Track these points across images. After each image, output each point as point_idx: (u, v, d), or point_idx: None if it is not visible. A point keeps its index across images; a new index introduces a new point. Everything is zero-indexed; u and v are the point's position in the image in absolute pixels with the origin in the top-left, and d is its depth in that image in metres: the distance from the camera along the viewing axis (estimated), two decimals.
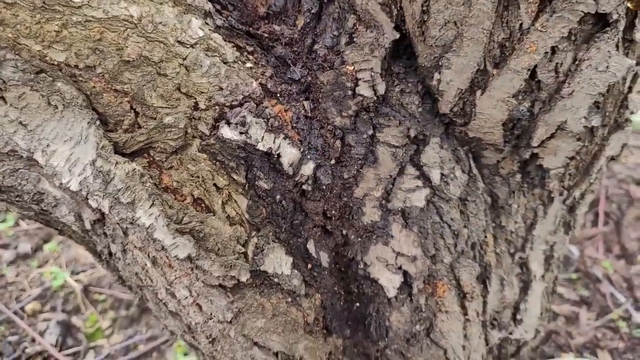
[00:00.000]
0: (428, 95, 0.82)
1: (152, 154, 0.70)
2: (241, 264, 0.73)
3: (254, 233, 0.77)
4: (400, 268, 0.86)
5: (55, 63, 0.60)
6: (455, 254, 0.87)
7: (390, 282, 0.87)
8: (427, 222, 0.85)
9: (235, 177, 0.75)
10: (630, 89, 0.79)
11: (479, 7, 0.66)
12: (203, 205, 0.73)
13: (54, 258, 2.12)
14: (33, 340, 1.77)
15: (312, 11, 0.77)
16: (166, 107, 0.67)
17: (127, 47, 0.62)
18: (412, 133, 0.81)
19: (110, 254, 0.79)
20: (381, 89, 0.78)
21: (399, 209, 0.84)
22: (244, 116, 0.71)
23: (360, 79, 0.76)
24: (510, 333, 0.99)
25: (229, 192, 0.75)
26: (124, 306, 1.94)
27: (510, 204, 0.93)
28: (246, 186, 0.76)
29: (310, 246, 0.85)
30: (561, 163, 0.84)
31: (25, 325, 1.80)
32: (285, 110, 0.77)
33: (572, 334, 1.76)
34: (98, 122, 0.64)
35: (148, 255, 0.72)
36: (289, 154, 0.76)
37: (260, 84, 0.75)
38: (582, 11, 0.64)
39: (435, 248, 0.86)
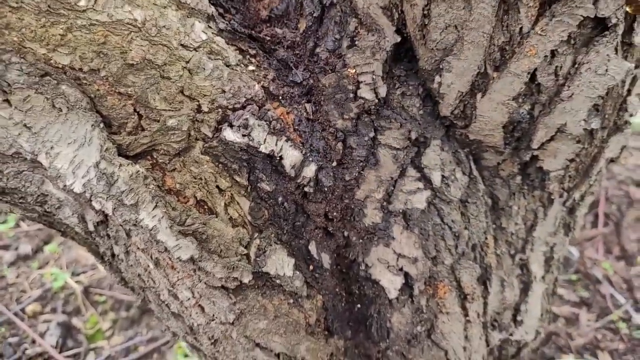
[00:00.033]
0: (429, 98, 0.83)
1: (155, 156, 0.70)
2: (244, 266, 0.74)
3: (256, 235, 0.77)
4: (401, 269, 0.86)
5: (60, 66, 0.60)
6: (456, 256, 0.87)
7: (391, 284, 0.87)
8: (428, 223, 0.86)
9: (237, 179, 0.75)
10: (629, 91, 0.80)
11: (479, 11, 0.66)
12: (206, 207, 0.73)
13: (55, 259, 2.13)
14: (33, 341, 1.77)
15: (314, 15, 0.77)
16: (169, 110, 0.68)
17: (131, 50, 0.63)
18: (413, 135, 0.82)
19: (113, 255, 0.79)
20: (382, 91, 0.78)
21: (400, 211, 0.85)
22: (246, 119, 0.72)
23: (361, 81, 0.77)
24: (511, 334, 1.00)
25: (231, 194, 0.75)
26: (124, 307, 1.94)
27: (510, 205, 0.93)
28: (248, 188, 0.77)
29: (312, 248, 0.85)
30: (561, 165, 0.84)
31: (25, 327, 1.80)
32: (288, 113, 0.77)
33: (572, 335, 1.76)
34: (102, 125, 0.65)
35: (151, 257, 0.72)
36: (291, 156, 0.76)
37: (263, 86, 0.75)
38: (581, 15, 0.64)
39: (436, 249, 0.86)
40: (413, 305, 0.88)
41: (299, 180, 0.79)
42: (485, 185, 0.92)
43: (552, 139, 0.79)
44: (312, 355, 0.84)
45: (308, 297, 0.84)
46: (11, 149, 0.63)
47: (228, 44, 0.73)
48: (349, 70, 0.77)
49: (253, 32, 0.78)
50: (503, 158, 0.87)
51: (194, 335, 0.81)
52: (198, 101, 0.70)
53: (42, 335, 1.80)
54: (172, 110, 0.68)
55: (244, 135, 0.71)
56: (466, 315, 0.90)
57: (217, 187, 0.74)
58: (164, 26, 0.65)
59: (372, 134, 0.81)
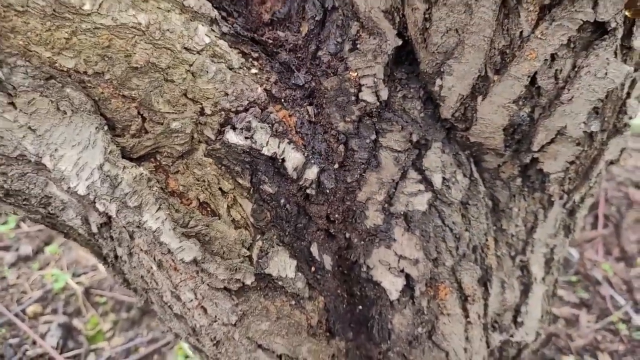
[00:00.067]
0: (430, 101, 0.83)
1: (158, 159, 0.71)
2: (246, 267, 0.74)
3: (258, 236, 0.78)
4: (402, 271, 0.87)
5: (65, 69, 0.61)
6: (457, 257, 0.88)
7: (392, 285, 0.88)
8: (429, 225, 0.86)
9: (240, 181, 0.76)
10: (628, 94, 0.80)
11: (480, 15, 0.67)
12: (209, 209, 0.74)
13: (55, 260, 2.13)
14: (34, 342, 1.77)
15: (316, 18, 0.78)
16: (173, 113, 0.68)
17: (135, 53, 0.63)
18: (414, 138, 0.82)
19: (116, 257, 0.80)
20: (384, 94, 0.79)
21: (402, 213, 0.86)
22: (249, 121, 0.72)
23: (363, 84, 0.78)
24: (511, 335, 1.00)
25: (234, 196, 0.76)
26: (125, 308, 1.94)
27: (511, 207, 0.94)
28: (251, 190, 0.77)
29: (314, 249, 0.86)
30: (561, 167, 0.85)
31: (26, 328, 1.81)
32: (290, 116, 0.78)
33: (572, 337, 1.76)
34: (106, 127, 0.65)
35: (154, 259, 0.73)
36: (293, 158, 0.77)
37: (265, 89, 0.76)
38: (581, 19, 0.65)
39: (437, 251, 0.87)
40: (414, 307, 0.89)
41: (301, 183, 0.80)
42: (486, 187, 0.93)
43: (552, 141, 0.80)
44: (314, 357, 0.85)
45: (310, 299, 0.85)
46: (16, 151, 0.63)
47: (231, 47, 0.74)
48: (350, 73, 0.77)
49: (255, 35, 0.79)
50: (503, 160, 0.88)
51: (197, 337, 0.82)
52: (201, 104, 0.70)
53: (42, 336, 1.80)
54: (176, 113, 0.69)
55: (246, 138, 0.72)
56: (467, 316, 0.91)
57: (220, 189, 0.74)
58: (168, 30, 0.65)
59: (373, 137, 0.82)
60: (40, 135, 0.62)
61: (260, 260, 0.76)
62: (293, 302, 0.82)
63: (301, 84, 0.80)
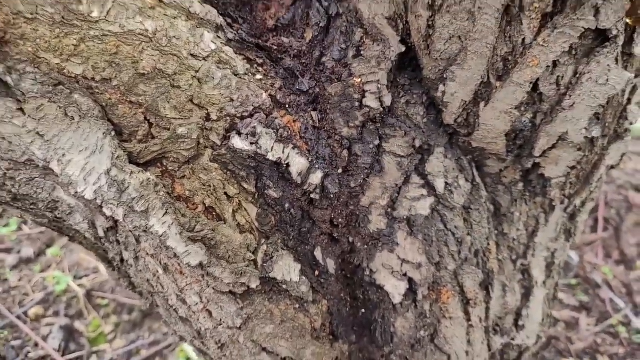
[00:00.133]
0: (433, 107, 0.84)
1: (165, 164, 0.72)
2: (251, 271, 0.75)
3: (263, 241, 0.79)
4: (405, 275, 0.87)
5: (73, 76, 0.61)
6: (459, 261, 0.89)
7: (395, 289, 0.88)
8: (432, 230, 0.87)
9: (245, 186, 0.77)
10: (629, 100, 0.81)
11: (482, 23, 0.68)
12: (214, 213, 0.74)
13: (57, 262, 2.14)
14: (36, 344, 1.78)
15: (321, 25, 0.79)
16: (179, 118, 0.69)
17: (142, 60, 0.64)
18: (417, 143, 0.83)
19: (122, 260, 0.81)
20: (387, 100, 0.80)
21: (405, 217, 0.86)
22: (254, 127, 0.73)
23: (367, 90, 0.78)
24: (513, 339, 1.01)
25: (239, 201, 0.77)
26: (126, 311, 1.95)
27: (512, 212, 0.95)
28: (256, 195, 0.78)
29: (318, 253, 0.87)
30: (562, 172, 0.86)
31: (28, 330, 1.81)
32: (294, 121, 0.79)
33: (572, 340, 1.77)
34: (113, 133, 0.66)
35: (160, 262, 0.74)
36: (297, 163, 0.78)
37: (270, 95, 0.77)
38: (582, 27, 0.66)
39: (440, 255, 0.88)
40: (417, 310, 0.89)
41: (305, 187, 0.80)
42: (488, 191, 0.94)
43: (553, 146, 0.80)
44: None
45: (314, 302, 0.85)
46: (24, 156, 0.64)
47: (236, 53, 0.74)
48: (354, 79, 0.78)
49: (260, 41, 0.79)
50: (505, 165, 0.88)
51: (202, 340, 0.82)
52: (207, 110, 0.71)
53: (44, 338, 1.80)
54: (182, 119, 0.69)
55: (251, 143, 0.73)
56: (469, 320, 0.91)
57: (226, 194, 0.75)
58: (174, 36, 0.66)
59: (377, 142, 0.83)
60: (48, 141, 0.63)
61: (265, 264, 0.77)
62: (297, 306, 0.83)
63: (305, 90, 0.81)
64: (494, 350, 0.99)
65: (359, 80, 0.78)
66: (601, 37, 0.69)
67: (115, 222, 0.73)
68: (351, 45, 0.78)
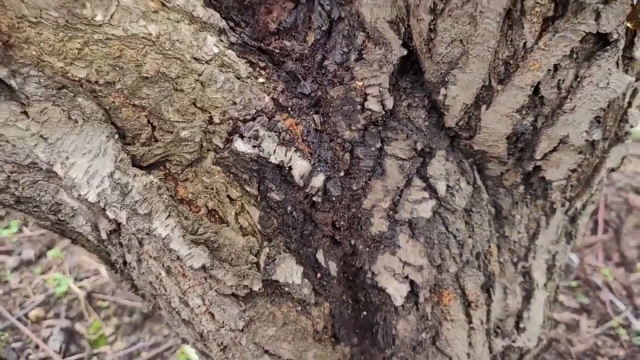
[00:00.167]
0: (434, 110, 0.84)
1: (168, 167, 0.72)
2: (254, 274, 0.75)
3: (265, 243, 0.79)
4: (407, 277, 0.88)
5: (77, 79, 0.62)
6: (461, 264, 0.89)
7: (397, 291, 0.88)
8: (433, 232, 0.87)
9: (248, 189, 0.77)
10: (629, 104, 0.81)
11: (484, 27, 0.68)
12: (217, 216, 0.75)
13: (58, 264, 2.14)
14: (37, 346, 1.78)
15: (323, 28, 0.79)
16: (182, 122, 0.70)
17: (145, 63, 0.64)
18: (419, 146, 0.83)
19: (124, 263, 0.81)
20: (389, 103, 0.80)
21: (406, 220, 0.87)
22: (256, 130, 0.73)
23: (369, 94, 0.79)
24: (514, 341, 1.01)
25: (241, 204, 0.77)
26: (127, 313, 1.95)
27: (513, 214, 0.95)
28: (258, 198, 0.78)
29: (320, 256, 0.87)
30: (563, 175, 0.86)
31: (29, 332, 1.81)
32: (296, 124, 0.79)
33: (572, 342, 1.77)
34: (116, 136, 0.66)
35: (163, 265, 0.74)
36: (299, 166, 0.78)
37: (272, 98, 0.77)
38: (583, 31, 0.66)
39: (441, 258, 0.88)
40: (418, 313, 0.90)
41: (307, 190, 0.81)
42: (489, 194, 0.94)
43: (554, 149, 0.81)
44: None
45: (316, 305, 0.85)
46: (27, 159, 0.64)
47: (239, 56, 0.75)
48: (356, 82, 0.78)
49: (262, 44, 0.80)
50: (506, 168, 0.89)
51: (204, 342, 0.82)
52: (210, 113, 0.71)
53: (45, 340, 1.81)
54: (185, 122, 0.70)
55: (254, 146, 0.73)
56: (470, 322, 0.91)
57: (228, 196, 0.75)
58: (178, 40, 0.66)
59: (378, 145, 0.83)
60: (51, 144, 0.63)
61: (267, 267, 0.77)
62: (299, 308, 0.83)
63: (307, 93, 0.81)
64: (495, 352, 1.00)
65: (361, 83, 0.78)
66: (602, 40, 0.69)
67: (118, 224, 0.73)
68: (353, 48, 0.78)
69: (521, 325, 1.01)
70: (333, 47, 0.80)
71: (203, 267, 0.71)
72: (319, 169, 0.81)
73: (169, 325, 0.88)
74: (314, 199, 0.82)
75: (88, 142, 0.65)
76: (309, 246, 0.86)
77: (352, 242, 0.90)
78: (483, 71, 0.73)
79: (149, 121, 0.68)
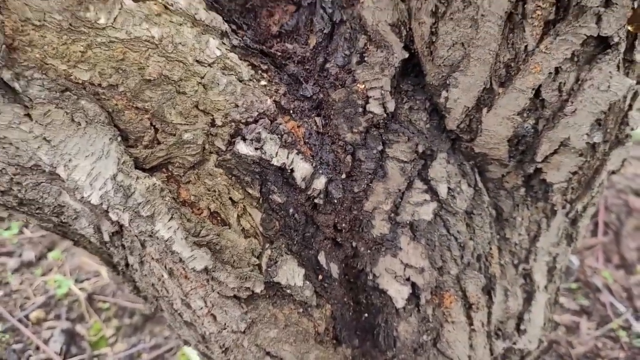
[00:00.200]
0: (435, 112, 0.84)
1: (170, 169, 0.72)
2: (256, 276, 0.75)
3: (267, 245, 0.79)
4: (408, 279, 0.88)
5: (80, 82, 0.62)
6: (462, 266, 0.89)
7: (398, 293, 0.89)
8: (435, 234, 0.88)
9: (250, 191, 0.77)
10: (630, 106, 0.82)
11: (485, 30, 0.68)
12: (219, 218, 0.75)
13: (58, 266, 2.14)
14: (37, 348, 1.78)
15: (324, 31, 0.79)
16: (185, 124, 0.70)
17: (148, 66, 0.65)
18: (420, 148, 0.84)
19: (127, 265, 0.81)
20: (391, 106, 0.80)
21: (408, 222, 0.87)
22: (259, 132, 0.74)
23: (370, 96, 0.79)
24: (514, 343, 1.01)
25: (244, 206, 0.77)
26: (127, 314, 1.95)
27: (514, 216, 0.95)
28: (260, 200, 0.79)
29: (321, 258, 0.87)
30: (564, 177, 0.86)
31: (29, 333, 1.81)
32: (298, 127, 0.79)
33: (572, 344, 1.77)
34: (119, 138, 0.66)
35: (165, 267, 0.74)
36: (301, 168, 0.78)
37: (274, 101, 0.77)
38: (584, 34, 0.66)
39: (442, 260, 0.88)
40: (419, 315, 0.90)
41: (309, 192, 0.81)
42: (490, 196, 0.94)
43: (555, 152, 0.81)
44: None
45: (317, 307, 0.86)
46: (30, 161, 0.65)
47: (241, 59, 0.75)
48: (358, 85, 0.79)
49: (264, 47, 0.80)
50: (507, 170, 0.89)
51: (206, 344, 0.83)
52: (212, 115, 0.72)
53: (46, 341, 1.80)
54: (188, 125, 0.70)
55: (256, 149, 0.73)
56: (471, 324, 0.92)
57: (230, 199, 0.76)
58: (180, 43, 0.67)
59: (380, 147, 0.83)
60: (54, 146, 0.63)
61: (269, 269, 0.78)
62: (301, 310, 0.83)
63: (309, 96, 0.81)
64: (496, 354, 1.00)
65: (363, 86, 0.79)
66: (603, 44, 0.69)
67: (121, 226, 0.73)
68: (355, 51, 0.78)
69: (522, 327, 1.02)
70: (335, 50, 0.80)
71: (205, 269, 0.71)
72: (320, 172, 0.81)
73: (171, 327, 0.88)
74: (316, 201, 0.83)
75: (91, 145, 0.65)
76: (311, 248, 0.86)
77: (354, 244, 0.90)
78: (484, 74, 0.73)
79: (151, 124, 0.68)
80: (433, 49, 0.74)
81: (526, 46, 0.70)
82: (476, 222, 0.91)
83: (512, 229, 0.96)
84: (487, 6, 0.66)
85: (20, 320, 1.87)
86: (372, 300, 0.92)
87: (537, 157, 0.82)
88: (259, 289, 0.76)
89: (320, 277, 0.87)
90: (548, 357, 1.73)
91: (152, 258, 0.74)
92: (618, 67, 0.72)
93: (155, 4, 0.64)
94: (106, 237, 0.76)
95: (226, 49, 0.73)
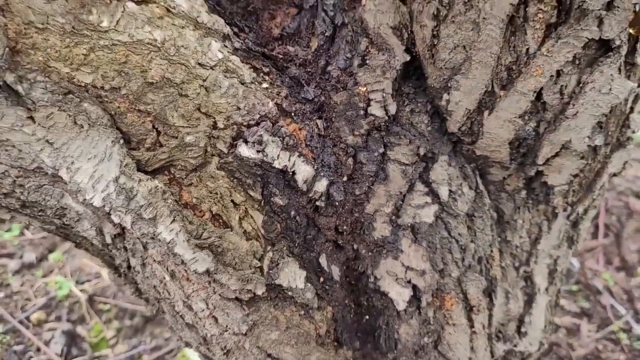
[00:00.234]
0: (437, 115, 0.85)
1: (172, 172, 0.72)
2: (257, 278, 0.76)
3: (269, 248, 0.79)
4: (409, 282, 0.88)
5: (83, 85, 0.62)
6: (463, 268, 0.89)
7: (399, 296, 0.89)
8: (436, 237, 0.88)
9: (251, 193, 0.77)
10: (631, 109, 0.82)
11: (487, 33, 0.68)
12: (221, 220, 0.75)
13: (59, 267, 2.14)
14: (38, 349, 1.78)
15: (326, 34, 0.80)
16: (187, 127, 0.70)
17: (150, 69, 0.65)
18: (422, 151, 0.84)
19: (129, 267, 0.81)
20: (392, 109, 0.80)
21: (409, 225, 0.87)
22: (260, 135, 0.74)
23: (372, 99, 0.79)
24: (515, 345, 1.01)
25: (245, 208, 0.77)
26: (128, 316, 1.95)
27: (515, 219, 0.95)
28: (262, 202, 0.79)
29: (323, 260, 0.87)
30: (565, 180, 0.86)
31: (30, 335, 1.81)
32: (300, 129, 0.79)
33: (573, 346, 1.77)
34: (121, 141, 0.67)
35: (167, 269, 0.74)
36: (303, 171, 0.78)
37: (276, 103, 0.77)
38: (586, 37, 0.66)
39: (444, 262, 0.88)
40: (420, 317, 0.90)
41: (310, 195, 0.81)
42: (491, 199, 0.94)
43: (556, 155, 0.81)
44: None
45: (318, 309, 0.86)
46: (33, 163, 0.65)
47: (243, 62, 0.75)
48: (359, 88, 0.79)
49: (266, 50, 0.80)
50: (509, 173, 0.89)
51: (207, 346, 0.83)
52: (214, 118, 0.72)
53: (47, 343, 1.81)
54: (190, 127, 0.70)
55: (258, 151, 0.74)
56: (472, 326, 0.92)
57: (232, 201, 0.76)
58: (182, 46, 0.67)
59: (381, 150, 0.83)
60: (57, 149, 0.63)
61: (270, 271, 0.78)
62: (302, 312, 0.83)
63: (311, 98, 0.81)
64: (497, 356, 1.00)
65: (364, 89, 0.79)
66: (604, 47, 0.69)
67: (123, 229, 0.73)
68: (356, 54, 0.79)
69: (523, 329, 1.02)
70: (336, 53, 0.80)
71: (207, 271, 0.72)
72: (322, 174, 0.81)
73: (173, 329, 0.88)
74: (317, 203, 0.83)
75: (93, 147, 0.65)
76: (312, 250, 0.86)
77: (355, 246, 0.90)
78: (486, 77, 0.73)
79: (153, 126, 0.68)
80: (434, 52, 0.74)
81: (528, 49, 0.70)
82: (477, 225, 0.91)
83: (513, 231, 0.96)
84: (489, 9, 0.66)
85: (21, 322, 1.87)
86: (373, 302, 0.92)
87: (538, 159, 0.82)
88: (260, 291, 0.77)
89: (321, 279, 0.87)
90: (548, 359, 1.73)
91: (154, 260, 0.74)
92: (619, 70, 0.72)
93: (157, 7, 0.64)
94: (108, 240, 0.76)
95: (228, 52, 0.73)
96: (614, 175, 0.94)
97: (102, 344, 1.85)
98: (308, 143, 0.80)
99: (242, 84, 0.74)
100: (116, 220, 0.68)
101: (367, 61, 0.78)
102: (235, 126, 0.74)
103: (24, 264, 2.13)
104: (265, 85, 0.77)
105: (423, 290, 0.88)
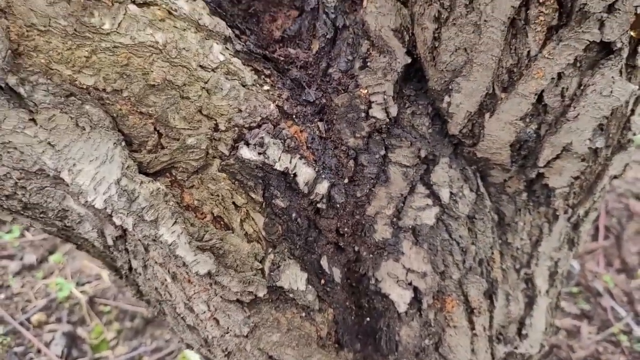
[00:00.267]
0: (438, 117, 0.85)
1: (174, 174, 0.72)
2: (258, 280, 0.76)
3: (270, 250, 0.79)
4: (410, 284, 0.88)
5: (85, 87, 0.62)
6: (464, 270, 0.89)
7: (400, 298, 0.89)
8: (437, 239, 0.88)
9: (253, 195, 0.77)
10: (632, 111, 0.82)
11: (488, 35, 0.69)
12: (222, 222, 0.75)
13: (60, 269, 2.14)
14: (39, 351, 1.78)
15: (327, 36, 0.80)
16: (188, 129, 0.70)
17: (152, 71, 0.65)
18: (423, 153, 0.84)
19: (130, 269, 0.81)
20: (393, 111, 0.80)
21: (410, 227, 0.87)
22: (262, 137, 0.74)
23: (373, 101, 0.79)
24: (516, 347, 1.01)
25: (247, 210, 0.77)
26: (128, 318, 1.95)
27: (516, 221, 0.95)
28: (263, 204, 0.79)
29: (324, 262, 0.87)
30: (566, 182, 0.86)
31: (31, 336, 1.81)
32: (301, 131, 0.80)
33: (573, 348, 1.77)
34: (123, 143, 0.67)
35: (168, 271, 0.74)
36: (304, 173, 0.78)
37: (277, 105, 0.78)
38: (587, 40, 0.67)
39: (445, 264, 0.88)
40: (421, 319, 0.90)
41: (312, 197, 0.81)
42: (492, 201, 0.94)
43: (557, 157, 0.81)
44: None
45: (320, 311, 0.86)
46: (35, 165, 0.65)
47: (244, 64, 0.75)
48: (361, 90, 0.79)
49: (267, 52, 0.80)
50: (509, 175, 0.89)
51: (209, 348, 0.83)
52: (216, 120, 0.72)
53: (47, 344, 1.81)
54: (191, 129, 0.70)
55: (259, 154, 0.74)
56: (473, 328, 0.92)
57: (234, 203, 0.76)
58: (184, 48, 0.67)
59: (382, 152, 0.83)
60: (59, 151, 0.64)
61: (272, 273, 0.78)
62: (303, 314, 0.84)
63: (312, 101, 0.81)
64: (498, 358, 1.00)
65: (365, 91, 0.79)
66: (605, 49, 0.69)
67: (125, 231, 0.73)
68: (357, 56, 0.79)
69: (523, 331, 1.02)
70: (337, 55, 0.80)
71: (208, 274, 0.72)
72: (323, 176, 0.81)
73: (174, 330, 0.88)
74: (318, 205, 0.83)
75: (95, 149, 0.65)
76: (313, 252, 0.86)
77: (356, 248, 0.90)
78: (487, 79, 0.73)
79: (155, 128, 0.68)
80: (436, 54, 0.74)
81: (529, 51, 0.70)
82: (478, 227, 0.91)
83: (514, 233, 0.96)
84: (490, 12, 0.66)
85: (21, 323, 1.87)
86: (374, 304, 0.92)
87: (539, 162, 0.82)
88: (261, 293, 0.77)
89: (322, 281, 0.87)
90: None
91: (156, 262, 0.74)
92: (621, 72, 0.72)
93: (159, 9, 0.65)
94: (110, 241, 0.76)
95: (229, 54, 0.73)
96: (615, 177, 0.94)
97: (103, 346, 1.85)
98: (309, 145, 0.80)
99: (244, 86, 0.74)
100: (118, 222, 0.68)
101: (368, 63, 0.78)
102: (236, 128, 0.74)
103: (24, 265, 2.13)
104: (266, 87, 0.78)
105: (424, 292, 0.88)
